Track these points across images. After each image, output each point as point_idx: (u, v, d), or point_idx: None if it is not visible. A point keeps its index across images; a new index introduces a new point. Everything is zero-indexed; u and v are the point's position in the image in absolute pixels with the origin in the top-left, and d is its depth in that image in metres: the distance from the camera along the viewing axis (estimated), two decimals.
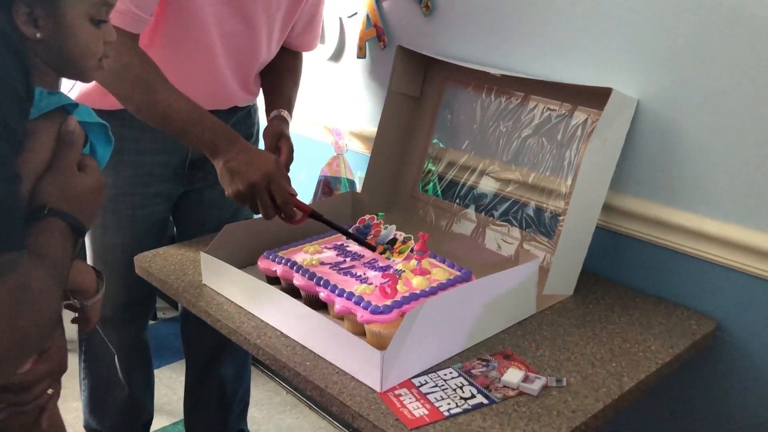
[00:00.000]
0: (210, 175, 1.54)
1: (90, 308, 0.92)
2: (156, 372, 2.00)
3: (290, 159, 1.39)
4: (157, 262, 1.31)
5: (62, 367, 0.84)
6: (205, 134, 1.24)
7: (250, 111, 1.60)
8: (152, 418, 1.86)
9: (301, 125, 1.91)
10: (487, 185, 1.40)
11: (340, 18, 1.69)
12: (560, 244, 1.18)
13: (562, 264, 1.19)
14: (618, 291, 1.23)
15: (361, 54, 1.66)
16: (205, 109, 1.26)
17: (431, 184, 1.49)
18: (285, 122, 1.45)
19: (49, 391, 0.83)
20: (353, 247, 1.26)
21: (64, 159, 0.77)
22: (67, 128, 0.77)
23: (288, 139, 1.41)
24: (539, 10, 1.29)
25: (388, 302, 1.04)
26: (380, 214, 1.48)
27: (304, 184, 1.95)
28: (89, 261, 1.57)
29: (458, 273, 1.14)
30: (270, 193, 1.21)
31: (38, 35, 0.74)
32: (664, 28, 1.13)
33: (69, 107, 0.78)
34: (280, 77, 1.52)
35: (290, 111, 1.50)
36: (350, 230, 1.30)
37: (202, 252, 1.21)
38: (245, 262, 1.27)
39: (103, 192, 0.82)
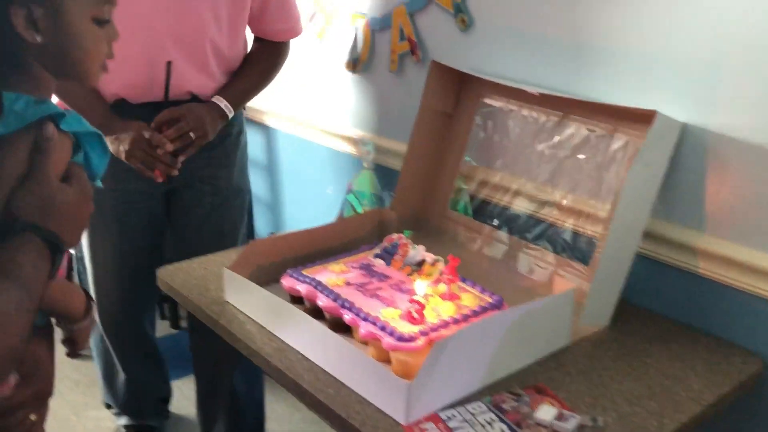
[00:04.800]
0: (186, 171, 1.54)
1: (77, 333, 0.86)
2: (176, 383, 1.98)
3: (179, 135, 1.40)
4: (180, 277, 1.29)
5: (47, 392, 0.79)
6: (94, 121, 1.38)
7: (233, 130, 1.61)
8: (170, 396, 1.91)
9: (329, 138, 1.88)
10: (521, 206, 1.35)
11: (373, 30, 1.65)
12: (597, 272, 1.12)
13: (599, 293, 1.13)
14: (657, 323, 1.17)
15: (393, 68, 1.62)
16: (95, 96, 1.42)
17: (462, 203, 1.45)
18: (211, 107, 1.46)
19: (32, 417, 0.78)
20: (380, 267, 1.21)
21: (41, 169, 0.70)
22: (44, 135, 0.71)
23: (189, 120, 1.40)
24: (580, 27, 1.24)
25: (415, 329, 0.99)
26: (406, 232, 1.44)
27: (331, 197, 1.92)
28: (86, 261, 1.63)
29: (489, 300, 1.09)
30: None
31: (39, 39, 0.69)
32: (713, 48, 1.08)
33: (57, 116, 0.73)
34: (242, 68, 1.56)
35: (235, 102, 1.50)
36: (378, 249, 1.26)
37: (225, 268, 1.17)
38: (269, 279, 1.23)
39: (89, 204, 0.75)
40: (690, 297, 1.17)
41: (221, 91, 1.50)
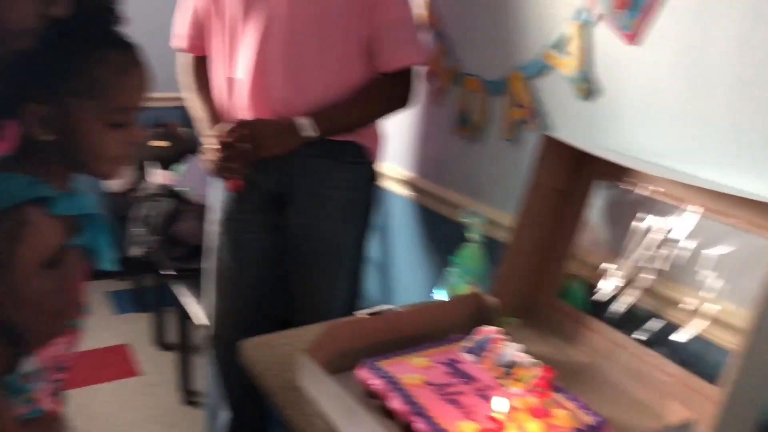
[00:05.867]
0: (282, 216, 1.61)
1: None
2: None
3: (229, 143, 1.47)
4: (262, 352, 1.23)
5: None
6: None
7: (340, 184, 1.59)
8: None
9: (440, 204, 1.79)
10: (642, 302, 1.17)
11: (488, 95, 1.55)
12: (730, 396, 0.92)
13: (731, 423, 0.93)
14: None
15: (508, 135, 1.50)
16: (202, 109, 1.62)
17: (575, 293, 1.28)
18: (286, 125, 1.47)
19: None
20: (467, 365, 1.09)
21: (13, 256, 0.69)
22: (20, 219, 0.69)
23: (246, 132, 1.46)
24: (728, 102, 1.07)
25: None
26: (511, 319, 1.30)
27: (441, 266, 1.81)
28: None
29: (588, 420, 0.93)
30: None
31: (52, 137, 0.72)
32: None
33: (46, 200, 0.72)
34: (348, 97, 1.55)
35: (323, 124, 1.50)
36: (468, 342, 1.13)
37: (300, 353, 1.10)
38: (351, 364, 1.14)
39: (74, 291, 0.72)
40: None
41: (316, 113, 1.52)
